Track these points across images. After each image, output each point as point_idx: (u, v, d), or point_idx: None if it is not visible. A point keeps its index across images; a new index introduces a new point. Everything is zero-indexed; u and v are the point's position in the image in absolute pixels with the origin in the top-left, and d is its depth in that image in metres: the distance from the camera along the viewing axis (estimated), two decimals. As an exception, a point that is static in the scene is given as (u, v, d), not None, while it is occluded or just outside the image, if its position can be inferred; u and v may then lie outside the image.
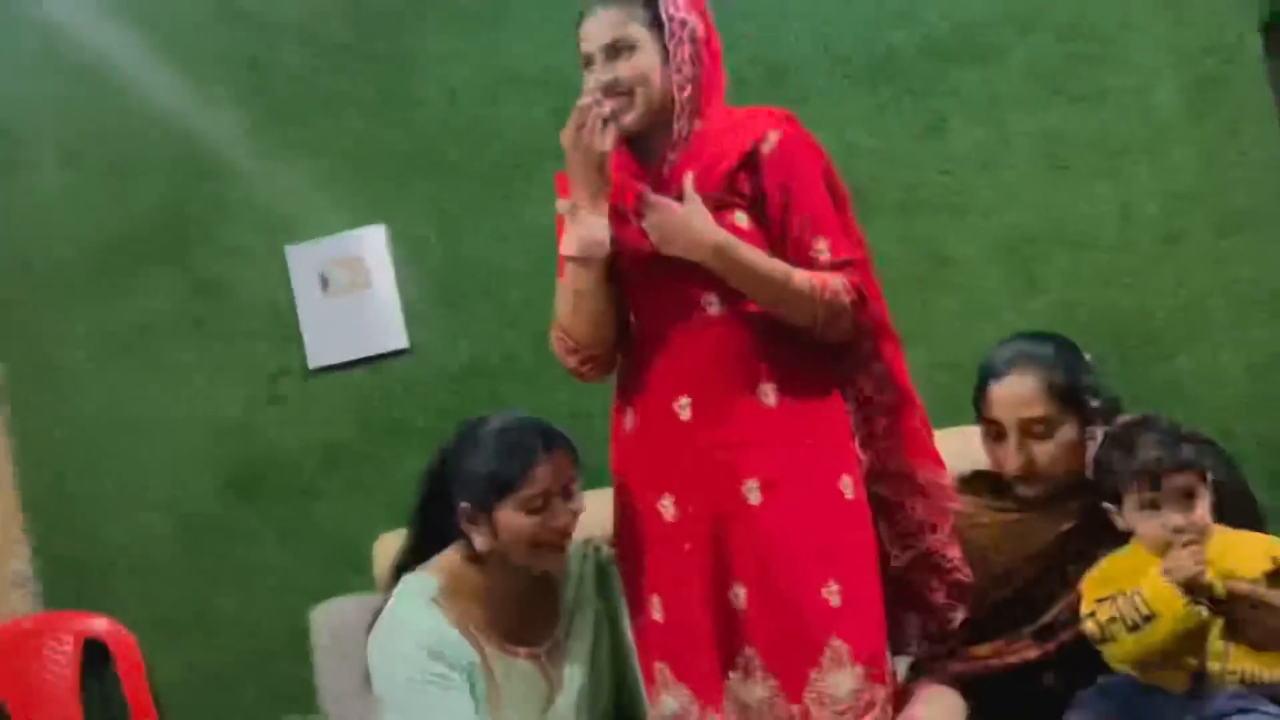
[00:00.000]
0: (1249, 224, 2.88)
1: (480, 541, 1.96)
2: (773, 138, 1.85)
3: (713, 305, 1.83)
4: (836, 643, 1.73)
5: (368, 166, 3.25)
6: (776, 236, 1.86)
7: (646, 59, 1.85)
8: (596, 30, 1.86)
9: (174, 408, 3.32)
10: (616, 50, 1.84)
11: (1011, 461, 1.94)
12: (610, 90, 1.84)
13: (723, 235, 1.77)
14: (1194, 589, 1.69)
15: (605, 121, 1.80)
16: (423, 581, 2.00)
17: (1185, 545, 1.71)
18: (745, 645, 1.77)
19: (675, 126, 1.87)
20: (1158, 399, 2.80)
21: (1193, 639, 1.73)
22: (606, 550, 2.12)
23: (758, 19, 3.08)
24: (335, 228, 3.25)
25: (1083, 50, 2.95)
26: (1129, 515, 1.78)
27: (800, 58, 3.06)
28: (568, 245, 1.85)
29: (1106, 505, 1.82)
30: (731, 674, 1.76)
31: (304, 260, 3.25)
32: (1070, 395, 1.92)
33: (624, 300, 1.92)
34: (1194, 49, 2.91)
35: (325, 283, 3.24)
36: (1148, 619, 1.71)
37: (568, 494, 1.97)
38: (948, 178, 3.00)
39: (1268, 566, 1.74)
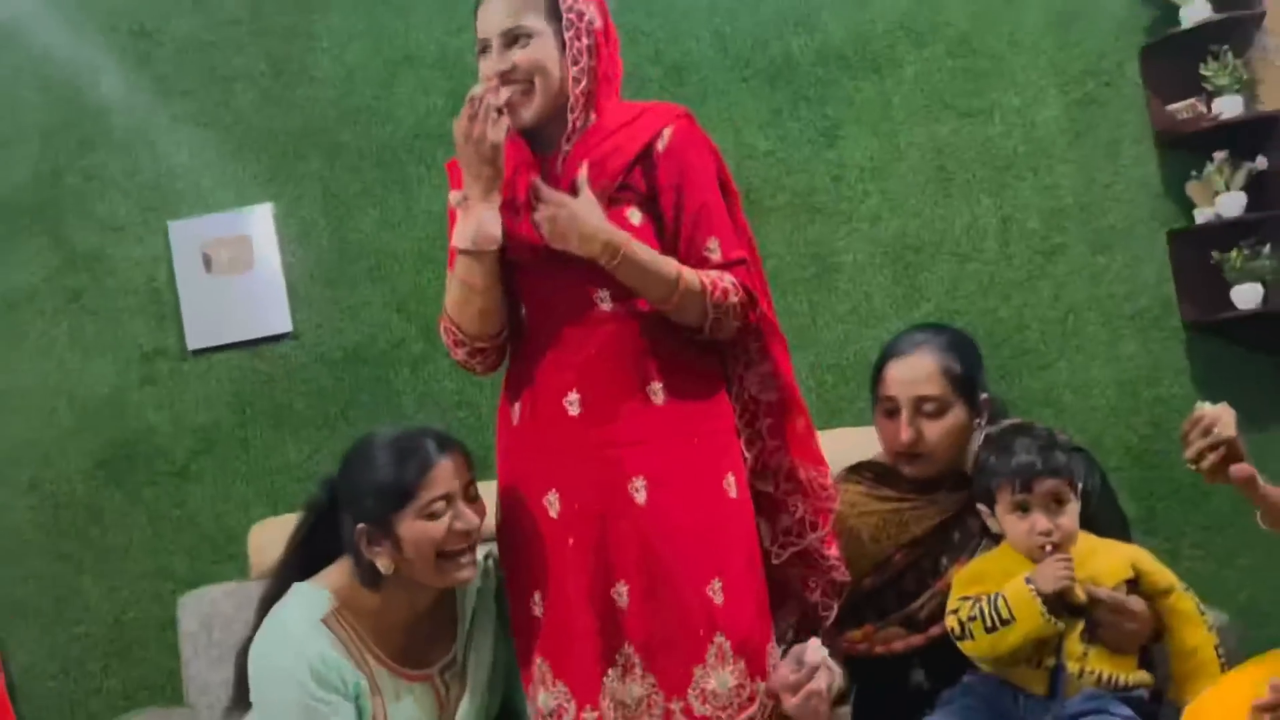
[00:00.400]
0: (1123, 242, 2.99)
1: (383, 564, 1.85)
2: (667, 134, 1.83)
3: (605, 301, 1.82)
4: (720, 639, 1.74)
5: (257, 143, 3.17)
6: (669, 234, 1.84)
7: (544, 49, 1.81)
8: (493, 17, 1.82)
9: (43, 383, 3.19)
10: (513, 38, 1.80)
11: (903, 433, 1.97)
12: (507, 79, 1.80)
13: (614, 231, 1.75)
14: (1056, 600, 1.75)
15: (499, 112, 1.77)
16: (315, 597, 1.88)
17: (1054, 557, 1.75)
18: (625, 643, 1.75)
19: (570, 118, 1.83)
20: (1032, 407, 2.90)
21: (1048, 643, 1.78)
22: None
23: (660, 17, 3.09)
24: (220, 205, 3.17)
25: (973, 66, 3.03)
26: (1000, 516, 1.83)
27: (700, 58, 3.08)
28: (459, 238, 1.81)
29: (980, 506, 1.87)
30: (610, 671, 1.76)
31: (186, 237, 3.15)
32: (963, 383, 1.98)
33: (515, 293, 1.91)
34: (1077, 71, 3.01)
35: (208, 261, 3.15)
36: (1005, 622, 1.75)
37: (468, 496, 1.88)
38: (839, 184, 3.05)
39: (1128, 574, 1.81)
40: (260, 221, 3.13)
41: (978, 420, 1.99)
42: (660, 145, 1.83)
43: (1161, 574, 1.84)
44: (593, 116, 1.85)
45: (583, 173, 1.78)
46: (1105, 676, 1.78)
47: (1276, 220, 2.84)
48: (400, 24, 3.14)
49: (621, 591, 1.76)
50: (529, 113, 1.82)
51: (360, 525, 1.85)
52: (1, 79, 3.21)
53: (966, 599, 1.83)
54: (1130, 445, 2.97)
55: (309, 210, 3.15)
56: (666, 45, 3.09)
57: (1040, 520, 1.78)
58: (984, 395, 2.00)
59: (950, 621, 1.82)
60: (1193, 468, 1.75)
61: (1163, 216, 2.98)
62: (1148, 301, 2.98)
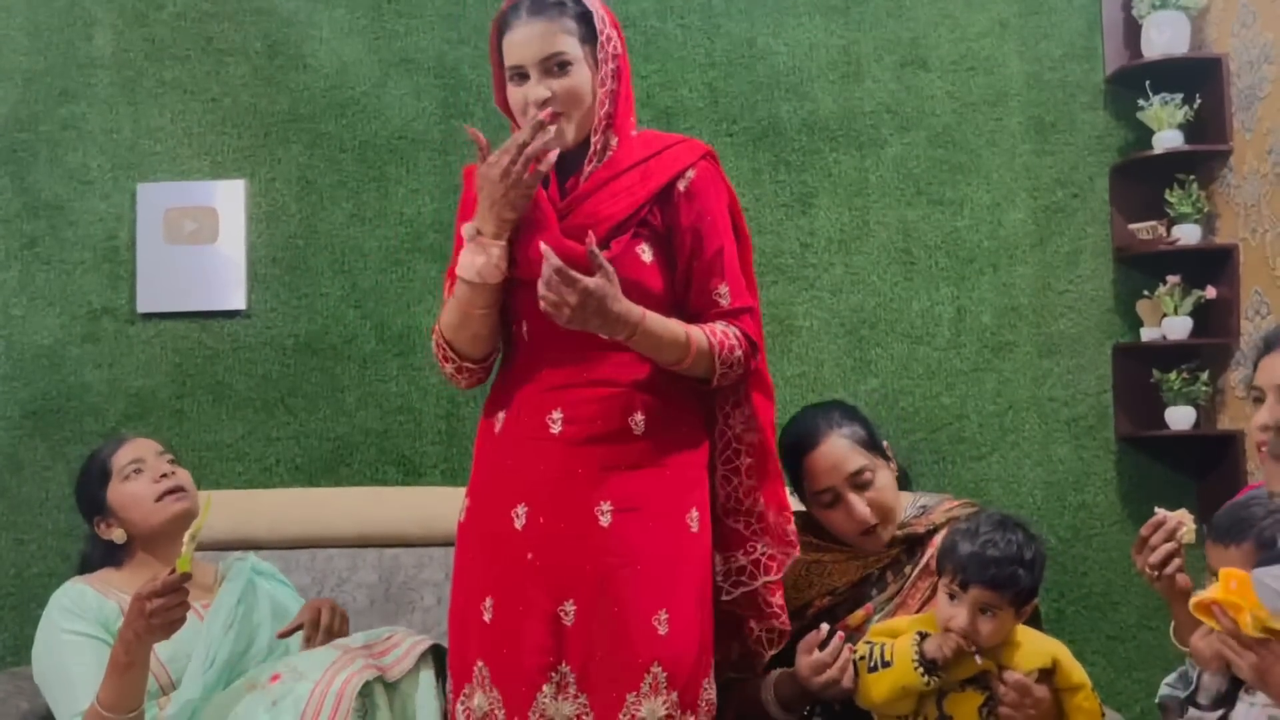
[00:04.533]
0: (1070, 349, 3.07)
1: (117, 535, 2.20)
2: (690, 175, 1.85)
3: (602, 330, 1.81)
4: (657, 669, 1.75)
5: (240, 120, 3.17)
6: (681, 274, 1.86)
7: (581, 74, 1.81)
8: (530, 44, 1.79)
9: (-18, 325, 3.15)
10: (552, 65, 1.79)
11: (862, 513, 2.01)
12: (549, 105, 1.79)
13: (630, 310, 1.73)
14: (930, 664, 1.82)
15: (536, 160, 1.75)
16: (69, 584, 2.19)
17: (954, 634, 1.81)
18: (563, 661, 1.76)
19: (593, 141, 1.84)
20: (962, 496, 2.94)
21: (926, 699, 1.85)
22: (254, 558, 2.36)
23: (657, 62, 3.15)
24: (193, 174, 3.15)
25: (950, 158, 3.11)
26: (940, 587, 1.88)
27: (691, 107, 3.14)
28: (464, 268, 1.81)
29: (937, 570, 1.91)
30: (545, 687, 1.76)
31: (153, 200, 3.13)
32: (872, 443, 2.06)
33: (513, 307, 1.89)
34: (1049, 179, 3.10)
35: (171, 228, 3.13)
36: (885, 664, 1.85)
37: (161, 462, 2.23)
38: (806, 250, 3.11)
39: (1045, 664, 1.86)
40: (230, 196, 3.12)
41: (895, 468, 2.07)
42: (682, 185, 1.85)
43: (1077, 671, 1.89)
44: (613, 141, 1.86)
45: (595, 249, 1.72)
46: None
47: (1217, 349, 2.94)
48: (402, 26, 3.17)
49: (569, 610, 1.77)
50: (566, 138, 1.82)
51: (93, 519, 2.22)
52: (-8, 16, 3.19)
53: (868, 642, 1.91)
54: (1050, 547, 2.99)
55: (281, 193, 3.15)
56: (659, 91, 3.14)
57: (961, 616, 1.82)
58: (884, 443, 2.07)
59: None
60: (1151, 573, 1.74)
61: (1110, 329, 3.07)
62: (1085, 410, 3.06)
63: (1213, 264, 2.94)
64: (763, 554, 1.92)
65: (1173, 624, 1.82)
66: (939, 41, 3.13)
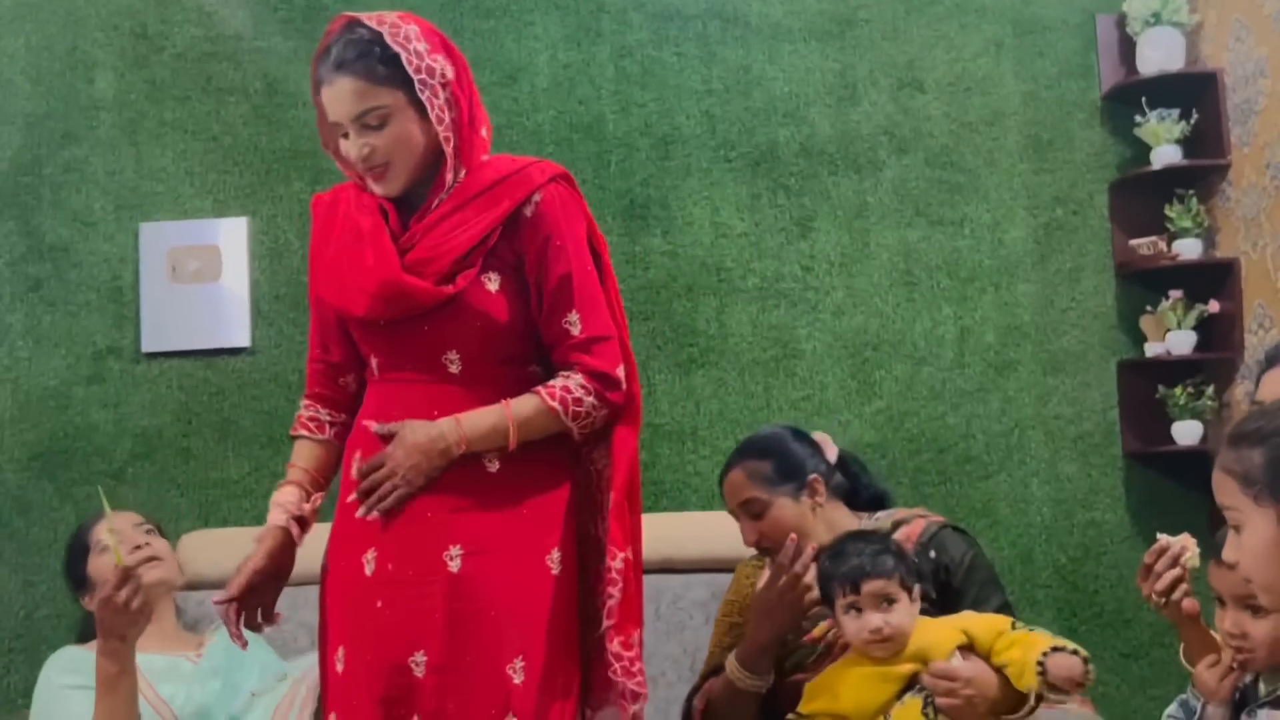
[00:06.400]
0: (1074, 366, 3.07)
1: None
2: (536, 199, 1.76)
3: (454, 364, 1.76)
4: None
5: (241, 158, 3.19)
6: (533, 302, 1.78)
7: (401, 124, 1.72)
8: (341, 103, 1.72)
9: (-12, 368, 3.16)
10: (366, 121, 1.71)
11: (744, 535, 2.09)
12: (368, 162, 1.73)
13: (452, 435, 1.70)
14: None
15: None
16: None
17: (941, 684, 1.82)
18: (413, 714, 1.67)
19: (447, 178, 1.76)
20: (970, 517, 2.95)
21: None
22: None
23: (655, 91, 3.16)
24: (195, 213, 3.17)
25: (949, 179, 3.12)
26: (839, 617, 1.88)
27: (689, 135, 3.15)
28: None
29: (825, 609, 1.92)
30: None
31: (156, 240, 3.15)
32: (773, 477, 2.06)
33: (364, 349, 1.85)
34: (1049, 196, 3.11)
35: (174, 267, 3.15)
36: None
37: (137, 533, 2.31)
38: (807, 274, 3.11)
39: (960, 640, 1.85)
40: (233, 234, 3.14)
41: (814, 499, 2.06)
42: (529, 210, 1.76)
43: (987, 629, 1.85)
44: (461, 172, 1.77)
45: (377, 426, 1.75)
46: None
47: (1221, 363, 2.93)
48: (400, 62, 3.19)
49: (419, 661, 1.68)
50: (394, 187, 1.76)
51: (78, 594, 2.35)
52: (-5, 61, 3.22)
53: (799, 715, 1.90)
54: (1059, 565, 3.03)
55: (284, 230, 3.16)
56: (657, 119, 3.16)
57: (872, 618, 1.82)
58: (812, 476, 2.07)
59: None
60: (1158, 600, 1.71)
61: (1114, 346, 3.07)
62: (1091, 426, 3.05)
63: (1214, 278, 2.95)
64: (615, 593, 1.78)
65: (1182, 646, 1.81)
66: (935, 63, 3.15)
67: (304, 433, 1.92)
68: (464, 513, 1.72)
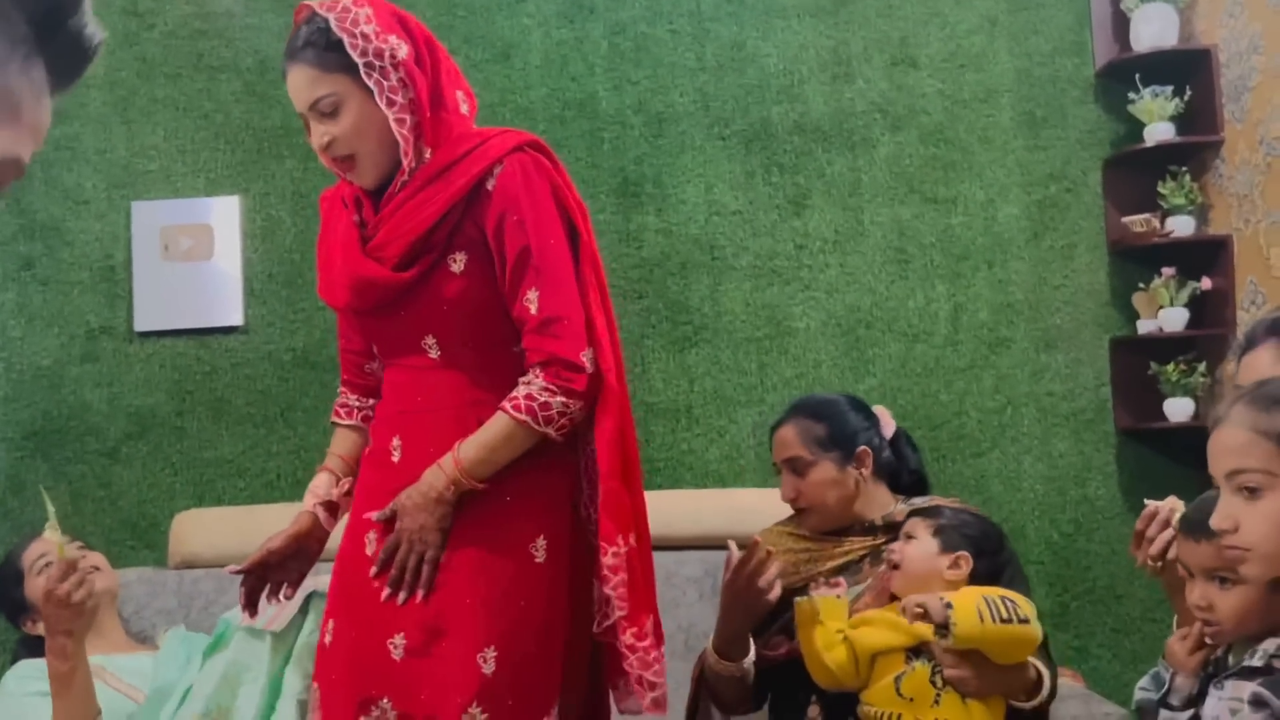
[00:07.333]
0: (1067, 343, 3.07)
1: (42, 627, 2.13)
2: (498, 171, 1.70)
3: (433, 349, 1.74)
4: (475, 710, 1.63)
5: (233, 135, 3.17)
6: (500, 278, 1.72)
7: (354, 111, 1.69)
8: (295, 91, 1.72)
9: (-19, 347, 3.16)
10: (322, 110, 1.70)
11: (782, 491, 2.12)
12: (330, 152, 1.72)
13: (435, 481, 1.68)
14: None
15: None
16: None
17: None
18: (385, 697, 1.66)
19: (404, 162, 1.71)
20: (963, 493, 2.96)
21: (877, 691, 1.84)
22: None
23: (648, 68, 3.15)
24: (187, 191, 3.16)
25: (943, 156, 3.12)
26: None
27: (682, 112, 3.14)
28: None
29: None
30: (363, 718, 1.66)
31: (148, 219, 3.14)
32: (825, 440, 2.09)
33: (368, 338, 1.87)
34: (1042, 174, 3.11)
35: (167, 245, 3.14)
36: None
37: (70, 549, 2.22)
38: (801, 252, 3.11)
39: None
40: (225, 212, 3.13)
41: (859, 470, 2.08)
42: (490, 184, 1.71)
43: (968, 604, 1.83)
44: (426, 153, 1.72)
45: (380, 527, 1.73)
46: None
47: (1214, 339, 2.94)
48: (392, 39, 3.17)
49: (398, 643, 1.68)
50: (366, 178, 1.74)
51: (18, 620, 2.39)
52: (-15, 38, 3.20)
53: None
54: (1052, 541, 3.04)
55: (276, 208, 3.15)
56: (650, 96, 3.15)
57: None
58: (860, 448, 2.09)
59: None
60: (1154, 564, 1.70)
61: (1107, 323, 3.07)
62: (1084, 403, 3.06)
63: (1207, 255, 2.95)
64: (615, 585, 1.73)
65: (1175, 619, 1.82)
66: (929, 40, 3.14)
67: (336, 420, 1.95)
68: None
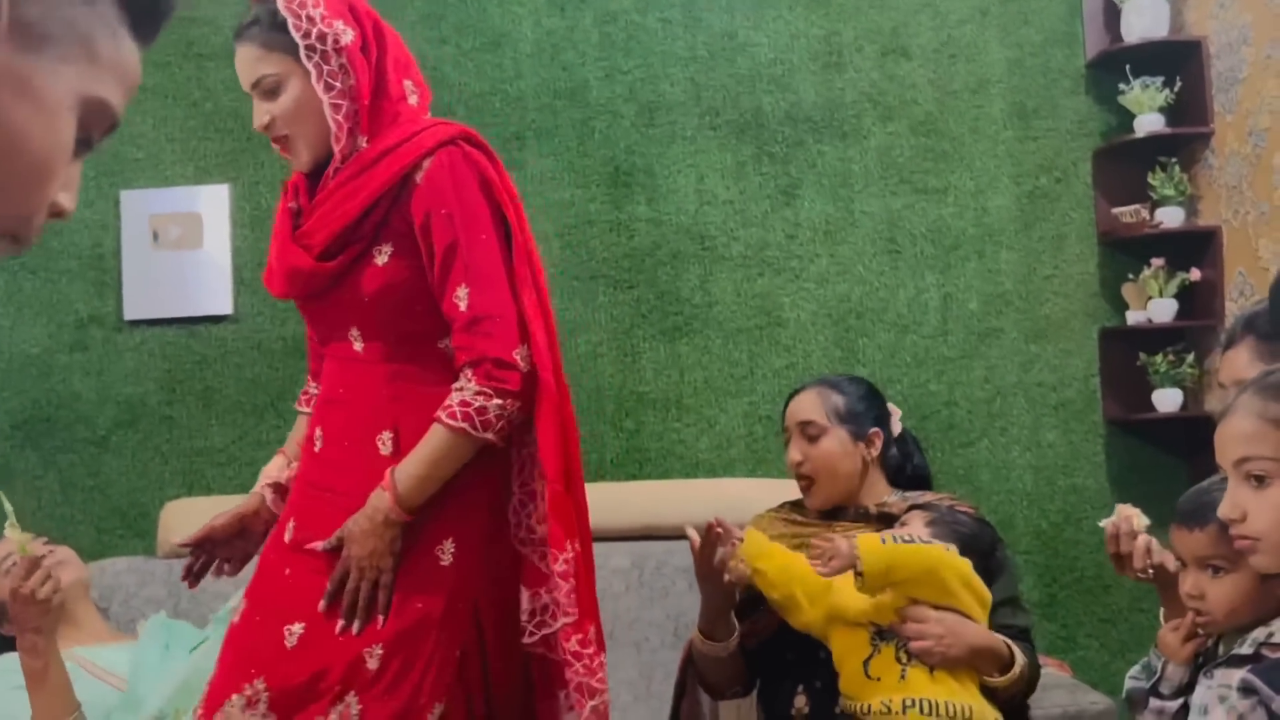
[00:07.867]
0: (1056, 334, 3.08)
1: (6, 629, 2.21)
2: (426, 165, 1.68)
3: (357, 341, 1.72)
4: (351, 698, 1.63)
5: (223, 124, 3.16)
6: (429, 273, 1.69)
7: (295, 93, 1.69)
8: (242, 67, 1.72)
9: (-31, 336, 3.15)
10: (264, 90, 1.70)
11: (790, 454, 2.13)
12: (270, 131, 1.72)
13: (380, 505, 1.64)
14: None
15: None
16: None
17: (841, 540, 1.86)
18: (261, 678, 1.65)
19: (336, 149, 1.69)
20: (951, 483, 2.97)
21: (849, 678, 1.83)
22: None
23: (639, 58, 3.15)
24: (176, 180, 3.15)
25: (934, 146, 3.12)
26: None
27: (673, 101, 3.14)
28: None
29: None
30: (235, 697, 1.66)
31: (137, 207, 3.13)
32: (842, 414, 2.11)
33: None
34: (1032, 164, 3.11)
35: (156, 234, 3.13)
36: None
37: (35, 546, 2.21)
38: (792, 242, 3.11)
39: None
40: (215, 201, 3.12)
41: (868, 450, 2.09)
42: (418, 177, 1.68)
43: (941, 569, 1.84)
44: (362, 141, 1.70)
45: (322, 548, 1.70)
46: (925, 703, 1.76)
47: (1203, 330, 2.95)
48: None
49: (294, 631, 1.67)
50: (302, 161, 1.74)
51: None
52: (-28, 25, 3.18)
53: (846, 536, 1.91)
54: (1040, 531, 3.05)
55: (266, 196, 3.15)
56: (641, 85, 3.14)
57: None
58: (873, 429, 2.10)
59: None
60: (1144, 575, 1.71)
61: (1096, 314, 3.08)
62: (1073, 394, 3.07)
63: (1196, 246, 2.96)
64: (567, 591, 1.69)
65: (1162, 611, 1.83)
66: (920, 30, 3.14)
67: (298, 406, 1.97)
68: (348, 497, 1.68)
